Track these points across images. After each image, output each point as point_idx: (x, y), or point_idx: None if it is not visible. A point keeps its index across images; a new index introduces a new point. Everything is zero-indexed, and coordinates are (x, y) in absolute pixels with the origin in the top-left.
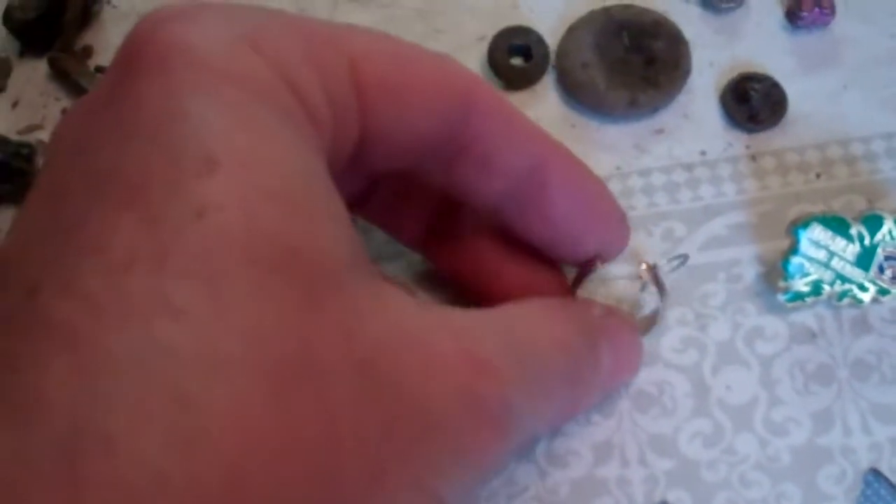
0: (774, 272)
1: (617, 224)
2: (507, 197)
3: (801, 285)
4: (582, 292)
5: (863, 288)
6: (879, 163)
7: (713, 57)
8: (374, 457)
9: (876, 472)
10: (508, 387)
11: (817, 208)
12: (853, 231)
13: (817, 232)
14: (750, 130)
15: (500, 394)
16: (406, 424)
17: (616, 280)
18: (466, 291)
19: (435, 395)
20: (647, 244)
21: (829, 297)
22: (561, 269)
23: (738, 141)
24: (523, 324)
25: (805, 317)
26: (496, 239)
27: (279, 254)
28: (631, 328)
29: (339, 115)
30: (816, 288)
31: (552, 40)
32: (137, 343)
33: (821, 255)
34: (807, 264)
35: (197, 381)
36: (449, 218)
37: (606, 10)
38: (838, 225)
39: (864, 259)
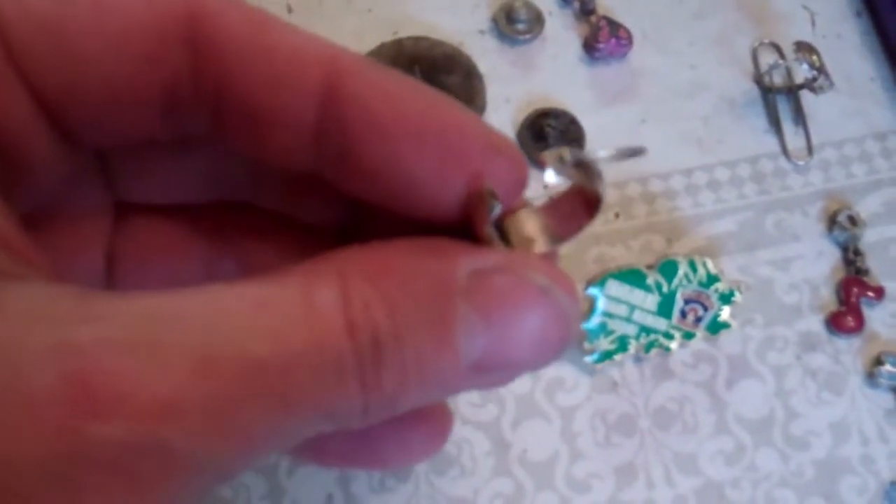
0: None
1: (484, 154)
2: (314, 157)
3: (606, 344)
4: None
5: (668, 336)
6: (678, 200)
7: (510, 92)
8: None
9: None
10: (177, 432)
11: (616, 250)
12: (650, 281)
13: (614, 288)
14: None
15: (150, 443)
16: None
17: None
18: None
19: (20, 456)
20: None
21: (637, 350)
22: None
23: (535, 181)
24: (275, 310)
25: (606, 365)
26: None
27: None
28: (531, 289)
29: None
30: (622, 344)
31: None
32: None
33: (621, 310)
34: (609, 322)
35: None
36: None
37: (398, 42)
38: (634, 277)
39: (665, 307)
